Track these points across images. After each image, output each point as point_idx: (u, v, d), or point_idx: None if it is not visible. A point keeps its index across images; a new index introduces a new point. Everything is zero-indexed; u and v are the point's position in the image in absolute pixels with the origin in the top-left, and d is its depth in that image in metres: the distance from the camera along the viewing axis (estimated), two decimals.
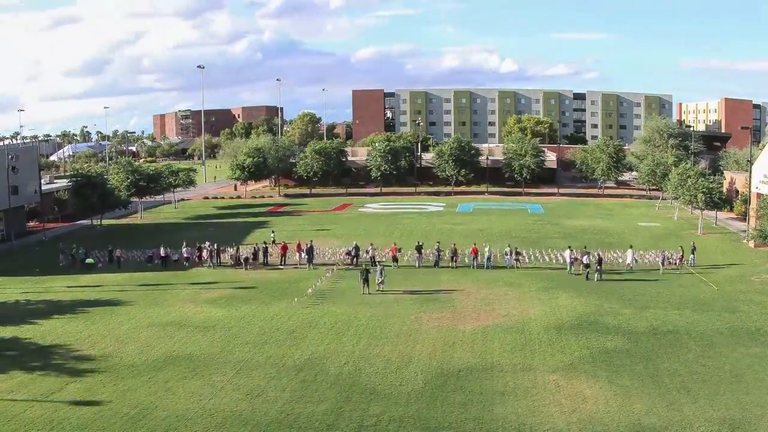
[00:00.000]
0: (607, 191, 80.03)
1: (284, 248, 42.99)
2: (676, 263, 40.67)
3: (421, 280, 37.90)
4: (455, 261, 40.70)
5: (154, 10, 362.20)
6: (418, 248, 41.79)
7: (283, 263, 42.19)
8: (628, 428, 19.34)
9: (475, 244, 41.84)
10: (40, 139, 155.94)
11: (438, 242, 42.90)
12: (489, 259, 40.74)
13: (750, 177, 50.12)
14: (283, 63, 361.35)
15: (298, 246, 42.55)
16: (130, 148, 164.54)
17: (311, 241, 43.41)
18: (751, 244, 47.00)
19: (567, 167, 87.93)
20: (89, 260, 43.11)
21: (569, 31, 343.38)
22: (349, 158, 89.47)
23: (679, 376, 23.14)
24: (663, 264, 40.03)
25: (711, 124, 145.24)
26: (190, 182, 77.00)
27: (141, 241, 50.46)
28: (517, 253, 41.18)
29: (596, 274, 37.34)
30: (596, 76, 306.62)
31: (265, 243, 44.62)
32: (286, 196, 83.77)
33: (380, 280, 35.48)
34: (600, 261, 38.10)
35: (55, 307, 33.20)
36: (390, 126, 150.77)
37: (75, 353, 26.30)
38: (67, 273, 41.16)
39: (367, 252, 42.05)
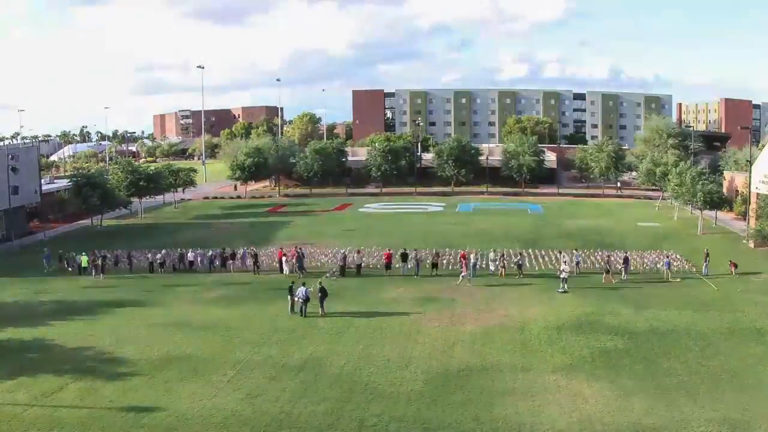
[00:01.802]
0: (606, 191, 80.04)
1: (281, 254, 42.51)
2: (686, 268, 39.02)
3: (419, 280, 37.89)
4: (435, 269, 38.92)
5: None
6: (403, 256, 39.85)
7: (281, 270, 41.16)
8: (628, 428, 19.34)
9: (463, 251, 40.30)
10: (40, 139, 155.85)
11: (415, 249, 40.78)
12: (475, 266, 38.25)
13: (750, 177, 50.15)
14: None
15: (284, 253, 41.55)
16: (130, 148, 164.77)
17: (297, 247, 42.68)
18: (751, 244, 47.04)
19: (567, 167, 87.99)
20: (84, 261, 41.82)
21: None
22: (349, 158, 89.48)
23: (679, 376, 23.15)
24: (668, 268, 38.44)
25: (711, 123, 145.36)
26: (190, 182, 77.04)
27: (143, 242, 50.45)
28: (504, 260, 39.18)
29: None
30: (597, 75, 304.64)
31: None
32: (286, 196, 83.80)
33: (302, 299, 30.71)
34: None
35: (54, 308, 33.20)
36: (390, 126, 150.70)
37: (75, 353, 26.30)
38: (63, 275, 41.04)
39: (344, 260, 40.00)
